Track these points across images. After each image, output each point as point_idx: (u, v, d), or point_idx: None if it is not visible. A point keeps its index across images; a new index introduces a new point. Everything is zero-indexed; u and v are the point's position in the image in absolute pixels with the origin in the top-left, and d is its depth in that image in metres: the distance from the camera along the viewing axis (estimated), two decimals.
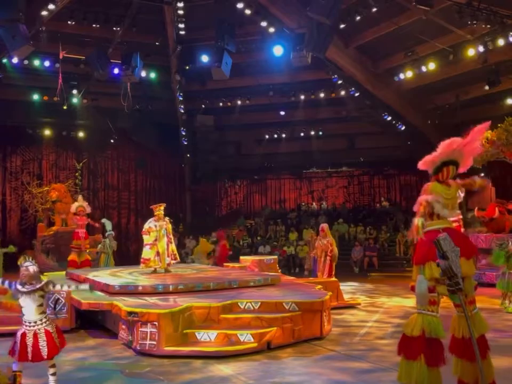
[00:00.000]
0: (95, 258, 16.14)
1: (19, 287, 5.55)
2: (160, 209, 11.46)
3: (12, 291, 5.70)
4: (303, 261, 19.55)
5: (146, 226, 11.44)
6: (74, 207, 15.24)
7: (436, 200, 5.08)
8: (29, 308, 5.56)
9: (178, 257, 11.86)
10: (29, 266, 5.59)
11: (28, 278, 5.53)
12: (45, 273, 11.34)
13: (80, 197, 16.21)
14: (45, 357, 5.53)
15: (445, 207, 5.11)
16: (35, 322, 5.55)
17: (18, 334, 5.61)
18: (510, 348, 7.53)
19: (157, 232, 11.27)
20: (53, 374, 5.72)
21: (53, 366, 5.72)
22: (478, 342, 4.73)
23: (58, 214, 19.24)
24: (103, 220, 16.32)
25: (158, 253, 11.25)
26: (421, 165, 5.32)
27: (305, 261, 18.86)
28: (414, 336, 4.87)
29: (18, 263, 5.75)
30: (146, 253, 11.31)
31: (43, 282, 5.60)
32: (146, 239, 11.38)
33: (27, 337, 5.52)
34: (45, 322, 5.61)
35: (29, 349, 5.49)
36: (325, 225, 12.84)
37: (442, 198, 5.11)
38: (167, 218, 11.56)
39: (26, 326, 5.58)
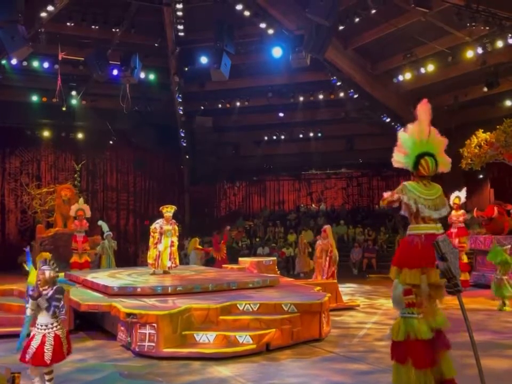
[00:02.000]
0: (94, 260, 16.08)
1: (30, 292, 5.52)
2: (167, 210, 11.46)
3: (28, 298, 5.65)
4: None
5: (152, 226, 11.50)
6: (73, 210, 15.14)
7: (411, 199, 4.90)
8: (41, 310, 5.48)
9: (178, 262, 11.82)
10: (45, 270, 5.51)
11: (43, 282, 5.47)
12: None
13: (81, 200, 16.12)
14: (48, 361, 5.36)
15: (426, 208, 4.91)
16: (46, 325, 5.44)
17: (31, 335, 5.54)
18: (509, 349, 7.54)
19: (159, 233, 11.30)
20: (50, 380, 5.53)
21: (50, 372, 5.51)
22: (438, 338, 4.76)
23: (61, 215, 18.98)
24: (99, 222, 16.17)
25: (158, 255, 11.28)
26: (395, 162, 5.09)
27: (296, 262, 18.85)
28: (400, 341, 4.84)
29: (37, 259, 5.69)
30: (150, 257, 11.40)
31: (49, 293, 5.44)
32: (150, 241, 11.51)
33: (34, 339, 5.43)
34: (56, 326, 5.49)
35: (31, 351, 5.37)
36: (327, 227, 12.82)
37: (421, 198, 4.91)
38: (173, 221, 11.58)
39: (37, 327, 5.48)
